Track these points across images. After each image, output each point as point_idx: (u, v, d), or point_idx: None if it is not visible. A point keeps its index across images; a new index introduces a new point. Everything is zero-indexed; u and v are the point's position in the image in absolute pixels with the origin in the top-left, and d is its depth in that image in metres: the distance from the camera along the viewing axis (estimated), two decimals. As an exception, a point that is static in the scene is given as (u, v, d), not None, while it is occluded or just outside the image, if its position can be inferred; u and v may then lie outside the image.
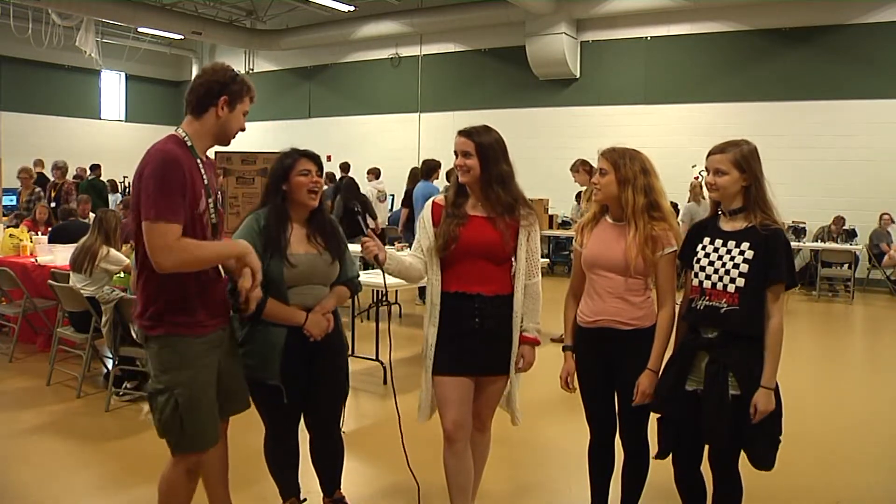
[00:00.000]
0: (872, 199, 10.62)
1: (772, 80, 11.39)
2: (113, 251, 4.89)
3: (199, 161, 2.36)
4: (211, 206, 2.40)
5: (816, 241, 10.73)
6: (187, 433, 2.35)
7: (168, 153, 2.25)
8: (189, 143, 2.35)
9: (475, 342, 2.65)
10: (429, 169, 7.96)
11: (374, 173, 11.25)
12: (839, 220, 10.59)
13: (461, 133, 2.66)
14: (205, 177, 2.37)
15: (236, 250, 2.40)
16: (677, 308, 2.63)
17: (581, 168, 6.92)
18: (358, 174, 11.27)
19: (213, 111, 2.36)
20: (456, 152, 2.64)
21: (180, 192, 2.22)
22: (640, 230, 2.55)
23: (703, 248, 2.52)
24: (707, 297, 2.46)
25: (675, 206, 10.85)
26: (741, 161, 2.44)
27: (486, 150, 2.62)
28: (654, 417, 2.63)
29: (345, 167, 11.55)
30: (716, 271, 2.46)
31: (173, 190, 2.20)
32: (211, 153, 2.56)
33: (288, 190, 2.71)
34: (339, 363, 2.91)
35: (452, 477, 2.73)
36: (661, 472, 2.74)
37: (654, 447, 2.64)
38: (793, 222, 10.78)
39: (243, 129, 2.45)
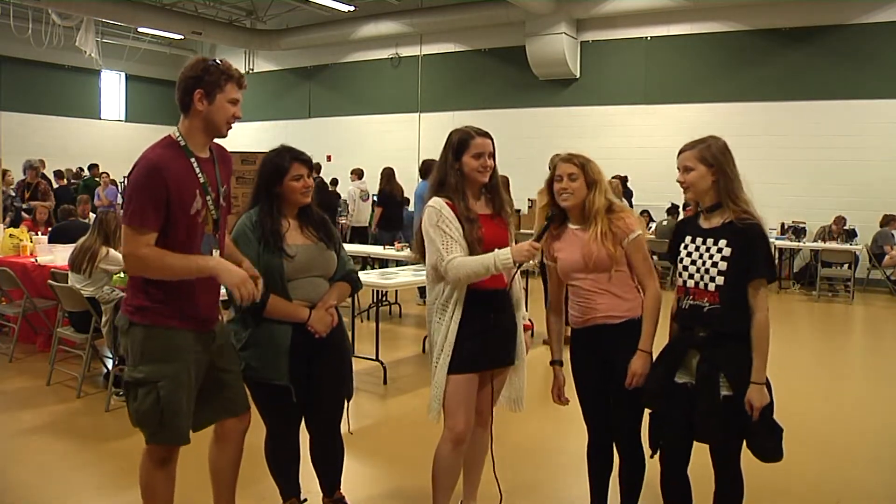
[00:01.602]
0: (872, 199, 10.60)
1: (772, 80, 11.38)
2: (112, 251, 4.88)
3: (193, 160, 2.35)
4: (210, 203, 2.39)
5: (817, 241, 10.73)
6: (165, 426, 2.34)
7: (150, 161, 2.27)
8: (182, 143, 2.35)
9: (490, 336, 2.70)
10: (428, 169, 7.94)
11: (357, 174, 11.46)
12: (840, 220, 10.57)
13: (485, 135, 2.69)
14: (200, 175, 2.36)
15: (206, 266, 2.33)
16: (664, 293, 2.64)
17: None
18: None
19: (193, 107, 2.34)
20: (479, 154, 2.66)
21: (156, 200, 2.24)
22: (602, 228, 2.61)
23: (685, 246, 2.54)
24: (691, 297, 2.48)
25: (675, 207, 10.97)
26: (707, 156, 2.46)
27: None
28: (647, 419, 2.63)
29: (317, 168, 11.67)
30: (697, 270, 2.47)
31: (148, 199, 2.23)
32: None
33: (280, 192, 2.74)
34: (343, 361, 2.92)
35: (452, 477, 2.75)
36: (659, 472, 2.73)
37: (647, 448, 2.64)
38: (793, 222, 10.76)
39: (238, 118, 2.38)
